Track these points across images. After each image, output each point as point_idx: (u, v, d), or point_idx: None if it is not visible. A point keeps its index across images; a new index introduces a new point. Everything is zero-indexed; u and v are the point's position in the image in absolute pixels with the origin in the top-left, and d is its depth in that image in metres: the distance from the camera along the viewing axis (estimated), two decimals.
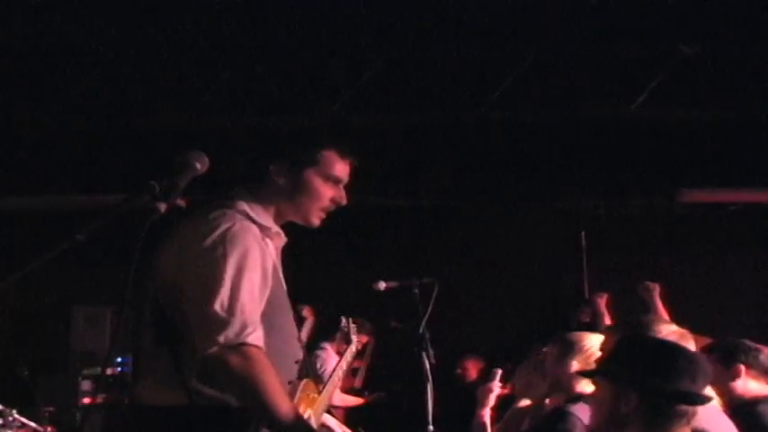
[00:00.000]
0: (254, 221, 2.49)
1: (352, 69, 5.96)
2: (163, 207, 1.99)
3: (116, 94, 6.04)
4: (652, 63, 5.81)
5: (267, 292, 2.42)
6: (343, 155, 2.64)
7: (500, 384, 4.44)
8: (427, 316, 4.09)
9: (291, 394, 2.49)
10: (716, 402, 3.00)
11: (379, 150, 6.31)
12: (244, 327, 2.27)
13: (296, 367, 2.56)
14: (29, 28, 5.47)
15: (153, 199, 1.98)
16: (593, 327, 6.86)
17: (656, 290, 5.91)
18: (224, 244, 2.35)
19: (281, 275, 2.58)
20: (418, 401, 3.92)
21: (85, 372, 6.94)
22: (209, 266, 2.33)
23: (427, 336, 4.06)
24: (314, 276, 5.99)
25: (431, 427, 3.87)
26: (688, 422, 2.37)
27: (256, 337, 2.30)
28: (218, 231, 2.36)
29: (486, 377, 4.85)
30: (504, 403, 4.84)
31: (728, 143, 6.32)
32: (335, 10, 5.40)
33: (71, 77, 5.94)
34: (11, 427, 5.22)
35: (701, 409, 2.77)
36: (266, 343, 2.34)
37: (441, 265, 6.87)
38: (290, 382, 2.50)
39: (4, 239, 7.11)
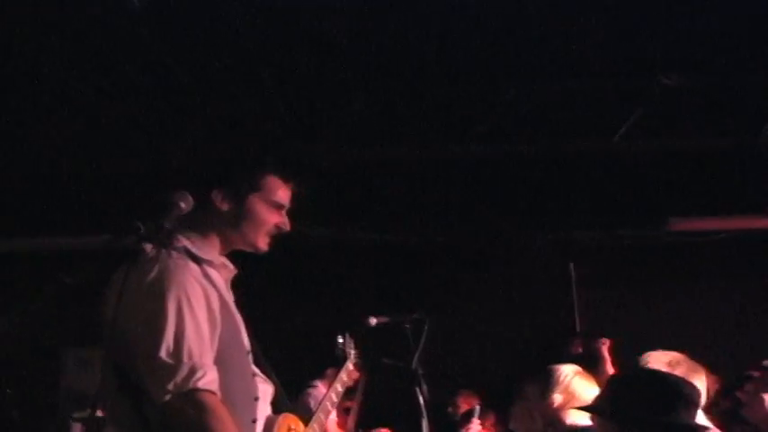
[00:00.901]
0: (194, 257, 2.40)
1: (337, 105, 5.98)
2: (149, 248, 1.98)
3: (93, 135, 6.02)
4: (633, 95, 5.85)
5: (217, 330, 2.34)
6: (285, 179, 2.58)
7: (479, 422, 4.43)
8: (419, 351, 4.06)
9: (267, 430, 2.44)
10: None
11: (368, 186, 6.33)
12: (193, 371, 2.20)
13: (256, 405, 2.47)
14: (12, 68, 5.45)
15: (139, 240, 1.96)
16: (586, 359, 6.83)
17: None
18: (161, 288, 2.26)
19: (233, 309, 2.49)
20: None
21: (76, 415, 6.86)
22: (149, 313, 2.25)
23: (420, 371, 4.03)
24: (305, 311, 5.96)
25: None
26: None
27: (207, 380, 2.22)
28: (153, 275, 2.27)
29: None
30: None
31: (715, 171, 6.36)
32: (320, 43, 5.41)
33: (51, 120, 5.92)
34: None
35: None
36: (221, 383, 2.27)
37: (431, 300, 6.87)
38: (253, 421, 2.44)
39: None
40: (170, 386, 2.18)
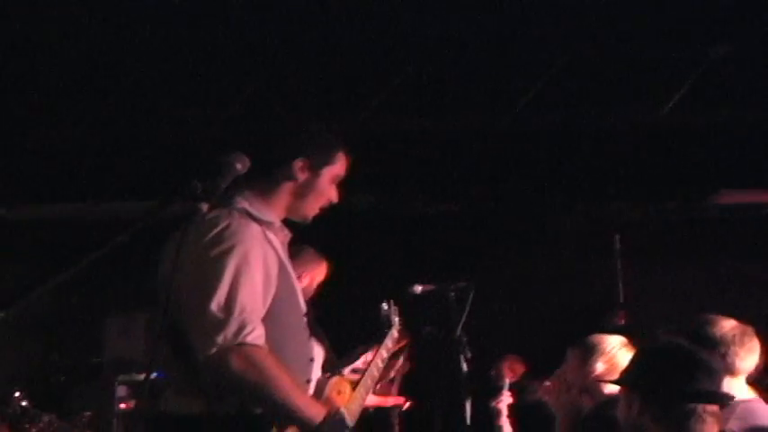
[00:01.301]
0: (254, 218, 2.44)
1: (380, 75, 5.96)
2: (205, 207, 1.99)
3: (139, 98, 6.07)
4: (683, 66, 5.75)
5: (272, 291, 2.38)
6: (348, 155, 2.67)
7: (509, 393, 4.40)
8: (463, 320, 4.07)
9: (319, 392, 2.46)
10: None
11: (412, 156, 6.31)
12: (242, 326, 2.21)
13: (311, 366, 2.51)
14: (41, 34, 5.52)
15: (195, 199, 1.97)
16: (628, 330, 6.79)
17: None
18: (222, 243, 2.30)
19: (290, 271, 2.54)
20: (456, 407, 3.90)
21: (121, 378, 7.00)
22: (206, 267, 2.28)
23: (464, 340, 4.04)
24: (350, 279, 5.97)
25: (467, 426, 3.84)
26: (704, 421, 2.32)
27: (256, 336, 2.24)
28: (216, 231, 2.32)
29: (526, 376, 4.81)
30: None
31: (763, 143, 6.23)
32: (364, 15, 5.40)
33: (94, 84, 5.98)
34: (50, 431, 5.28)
35: (755, 406, 2.76)
36: (276, 342, 2.29)
37: (475, 270, 6.85)
38: (307, 381, 2.46)
39: (34, 247, 7.17)
40: (219, 339, 2.21)
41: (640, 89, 5.93)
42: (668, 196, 7.13)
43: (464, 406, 3.86)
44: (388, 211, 6.80)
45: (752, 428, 2.71)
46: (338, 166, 2.62)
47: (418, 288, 4.26)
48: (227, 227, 2.34)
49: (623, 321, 7.22)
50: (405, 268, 7.13)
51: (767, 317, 6.83)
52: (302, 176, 2.54)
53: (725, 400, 2.40)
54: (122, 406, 6.75)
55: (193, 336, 2.26)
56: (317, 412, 2.30)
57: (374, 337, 3.77)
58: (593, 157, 6.51)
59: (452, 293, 4.19)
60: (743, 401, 2.85)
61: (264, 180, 2.52)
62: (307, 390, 2.40)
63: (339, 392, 2.57)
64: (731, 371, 2.85)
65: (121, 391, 6.90)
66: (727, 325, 2.90)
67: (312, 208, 2.59)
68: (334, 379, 2.58)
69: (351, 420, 2.53)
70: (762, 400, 2.95)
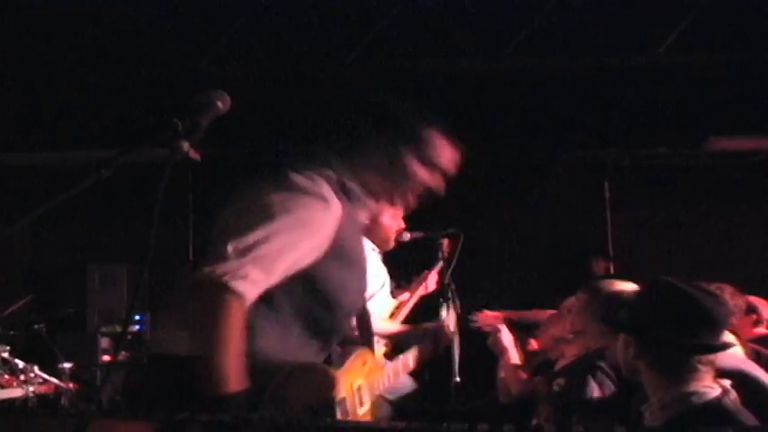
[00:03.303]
0: (345, 190, 2.36)
1: (366, 18, 5.86)
2: (186, 146, 1.91)
3: (120, 46, 5.95)
4: (679, 5, 5.67)
5: (308, 255, 2.27)
6: (450, 140, 2.55)
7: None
8: (452, 266, 4.06)
9: (342, 358, 2.42)
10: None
11: (401, 100, 6.22)
12: (237, 271, 2.12)
13: (326, 349, 2.42)
14: None
15: (176, 137, 1.90)
16: (617, 279, 6.81)
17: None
18: (291, 207, 2.23)
19: (362, 254, 2.46)
20: (444, 353, 3.89)
21: (104, 329, 7.00)
22: (259, 214, 2.22)
23: (453, 287, 4.02)
24: None
25: (457, 378, 3.85)
26: (697, 370, 2.31)
27: (244, 286, 2.12)
28: (293, 191, 2.25)
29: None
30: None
31: (759, 88, 6.18)
32: None
33: (72, 29, 5.86)
34: (33, 384, 5.26)
35: (738, 353, 2.75)
36: (309, 305, 2.26)
37: (464, 217, 6.84)
38: (321, 350, 2.39)
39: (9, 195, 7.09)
40: (208, 269, 2.13)
41: (633, 30, 5.85)
42: (659, 143, 7.10)
43: (453, 353, 3.86)
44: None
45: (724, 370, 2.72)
46: (429, 149, 2.49)
47: (407, 235, 4.23)
48: (310, 193, 2.26)
49: (611, 270, 7.25)
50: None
51: (758, 264, 6.93)
52: (376, 155, 2.44)
53: (722, 350, 2.39)
54: (106, 358, 6.76)
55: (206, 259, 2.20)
56: (232, 384, 2.10)
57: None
58: (583, 103, 6.46)
59: (442, 241, 4.17)
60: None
61: (350, 152, 2.43)
62: (240, 364, 2.15)
63: (363, 364, 2.53)
64: None
65: (105, 342, 6.91)
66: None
67: (400, 194, 2.50)
68: (360, 350, 2.54)
69: (369, 395, 2.48)
70: (739, 348, 2.95)
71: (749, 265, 6.93)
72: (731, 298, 4.04)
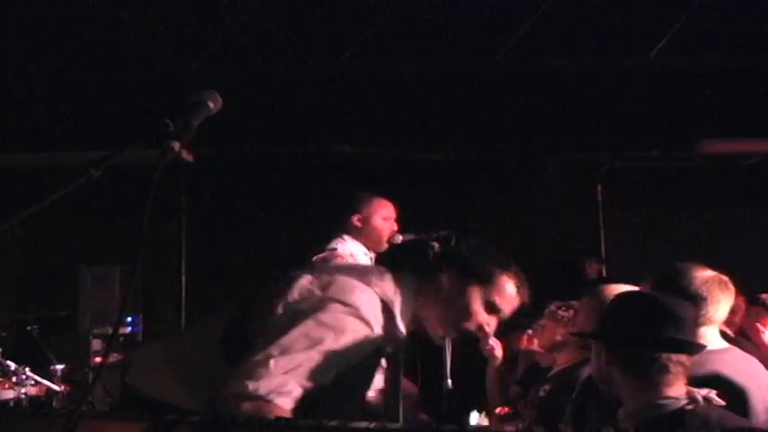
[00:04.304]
0: (390, 316, 2.42)
1: (362, 17, 5.86)
2: (177, 146, 1.92)
3: (110, 46, 5.95)
4: (671, 8, 5.68)
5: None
6: (519, 289, 2.61)
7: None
8: None
9: None
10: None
11: (393, 102, 6.24)
12: (283, 386, 2.19)
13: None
14: None
15: (167, 137, 1.90)
16: (609, 281, 6.83)
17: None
18: (334, 325, 2.28)
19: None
20: (435, 357, 3.90)
21: (96, 331, 6.99)
22: (311, 331, 2.26)
23: None
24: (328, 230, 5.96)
25: (449, 381, 3.85)
26: (667, 371, 2.29)
27: (289, 403, 2.20)
28: (348, 310, 2.30)
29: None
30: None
31: (751, 91, 6.21)
32: None
33: (61, 29, 5.85)
34: (24, 385, 5.26)
35: (726, 356, 2.75)
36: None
37: (456, 219, 6.84)
38: None
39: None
40: (251, 386, 2.18)
41: (626, 33, 5.87)
42: (651, 145, 7.12)
43: (444, 355, 3.86)
44: (365, 158, 6.75)
45: (703, 377, 2.70)
46: (496, 292, 2.56)
47: (399, 237, 4.24)
48: (359, 312, 2.32)
49: (604, 273, 7.27)
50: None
51: (749, 266, 6.95)
52: (447, 286, 2.51)
53: (691, 349, 2.35)
54: (97, 360, 6.75)
55: (240, 368, 2.23)
56: None
57: None
58: (575, 105, 6.48)
59: (434, 243, 4.17)
60: (713, 351, 2.85)
61: (414, 278, 2.52)
62: None
63: None
64: (704, 321, 2.85)
65: (96, 344, 6.90)
66: (701, 275, 2.88)
67: (455, 326, 2.55)
68: None
69: None
70: (735, 349, 2.94)
71: (741, 267, 6.94)
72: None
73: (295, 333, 2.26)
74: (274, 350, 2.22)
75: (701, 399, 2.28)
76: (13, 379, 5.28)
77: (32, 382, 5.38)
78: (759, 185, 7.28)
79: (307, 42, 5.85)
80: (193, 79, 5.81)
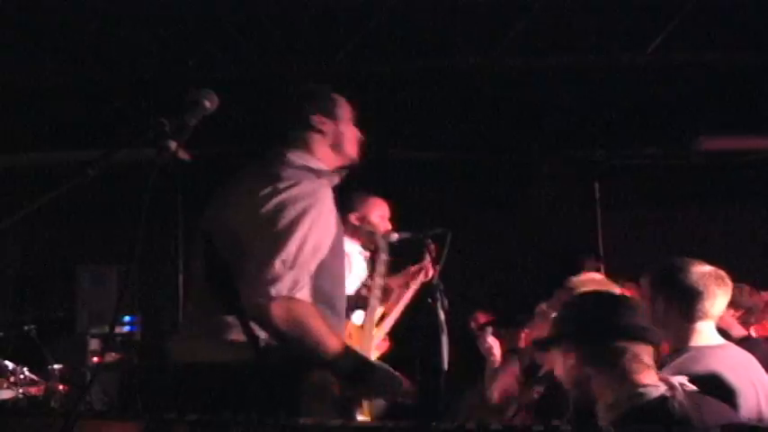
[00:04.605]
0: (314, 171, 2.60)
1: (356, 17, 5.87)
2: (173, 145, 1.94)
3: (105, 44, 5.95)
4: (668, 4, 5.69)
5: (327, 249, 2.52)
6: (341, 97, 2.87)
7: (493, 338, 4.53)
8: (440, 267, 4.07)
9: None
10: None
11: (387, 101, 6.25)
12: (296, 282, 2.36)
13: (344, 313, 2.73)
14: None
15: (163, 136, 1.92)
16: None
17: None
18: (296, 202, 2.43)
19: (340, 223, 2.70)
20: (433, 352, 3.91)
21: (94, 331, 7.00)
22: (282, 220, 2.40)
23: (441, 287, 4.03)
24: None
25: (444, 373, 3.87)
26: (639, 360, 2.33)
27: (305, 293, 2.39)
28: (291, 192, 2.45)
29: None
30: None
31: (749, 88, 6.21)
32: None
33: (56, 27, 5.85)
34: (22, 385, 5.27)
35: (723, 353, 2.77)
36: (325, 294, 2.48)
37: (452, 217, 6.86)
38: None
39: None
40: (272, 290, 2.33)
41: (622, 30, 5.88)
42: (649, 143, 7.13)
43: (442, 353, 3.88)
44: (362, 157, 6.74)
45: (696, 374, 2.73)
46: (347, 110, 2.84)
47: (395, 236, 4.25)
48: (297, 185, 2.48)
49: (602, 270, 7.28)
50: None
51: (749, 264, 6.96)
52: (325, 128, 2.74)
53: (654, 337, 2.39)
54: (95, 359, 6.77)
55: (246, 281, 2.37)
56: (344, 353, 2.43)
57: None
58: (572, 103, 6.49)
59: (429, 241, 4.18)
60: (710, 347, 2.87)
61: (300, 141, 2.71)
62: (340, 336, 2.55)
63: (350, 336, 2.74)
64: (700, 315, 2.88)
65: (94, 344, 6.92)
66: (698, 269, 2.91)
67: (352, 148, 2.81)
68: (347, 324, 2.75)
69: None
70: (732, 346, 2.96)
71: (740, 264, 6.95)
72: (749, 296, 4.07)
73: (278, 225, 2.40)
74: (271, 249, 2.37)
75: (678, 386, 2.31)
76: (11, 379, 5.29)
77: (30, 382, 5.39)
78: (757, 182, 7.30)
79: (303, 40, 5.85)
80: (189, 77, 5.82)
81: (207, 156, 5.83)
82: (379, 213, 4.29)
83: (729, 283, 2.98)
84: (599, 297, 2.60)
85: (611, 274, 6.81)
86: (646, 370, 2.34)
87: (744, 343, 3.53)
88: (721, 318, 3.77)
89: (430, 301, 3.96)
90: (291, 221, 2.40)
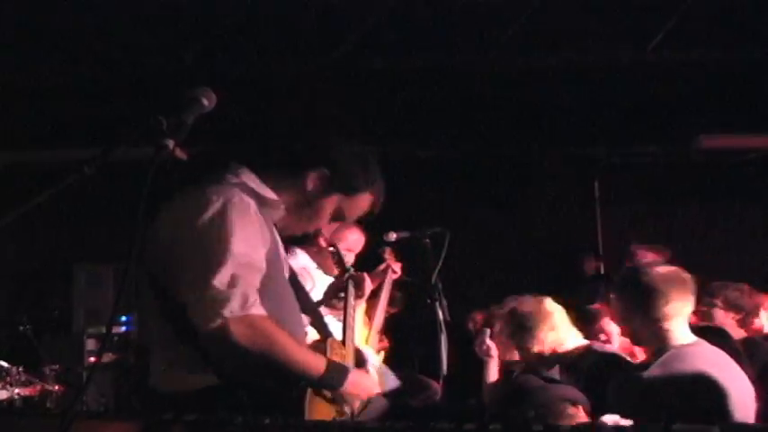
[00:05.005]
0: (256, 194, 2.44)
1: (356, 13, 5.86)
2: (171, 144, 1.93)
3: (102, 41, 5.94)
4: (666, 3, 5.69)
5: (263, 255, 2.38)
6: (375, 202, 2.60)
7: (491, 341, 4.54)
8: (439, 267, 4.07)
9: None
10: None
11: (386, 97, 6.24)
12: (246, 298, 2.25)
13: (304, 335, 2.59)
14: None
15: (160, 135, 1.91)
16: (600, 279, 6.87)
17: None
18: (224, 217, 2.29)
19: (282, 251, 2.54)
20: (432, 353, 3.93)
21: (90, 330, 6.99)
22: (208, 240, 2.28)
23: (440, 287, 4.05)
24: None
25: (444, 372, 3.88)
26: None
27: (259, 306, 2.28)
28: (218, 204, 2.30)
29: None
30: None
31: (749, 86, 6.21)
32: None
33: (52, 24, 5.84)
34: (17, 385, 5.25)
35: (699, 350, 2.83)
36: (271, 310, 2.32)
37: (451, 215, 6.86)
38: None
39: None
40: (225, 312, 2.22)
41: (623, 28, 5.87)
42: (649, 140, 7.13)
43: (441, 353, 3.89)
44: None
45: (672, 374, 2.78)
46: (353, 205, 2.56)
47: (393, 235, 4.25)
48: (226, 200, 2.32)
49: (601, 269, 7.29)
50: (378, 215, 7.12)
51: (749, 261, 6.97)
52: (310, 187, 2.51)
53: None
54: (91, 359, 6.76)
55: (195, 309, 2.25)
56: (318, 363, 2.36)
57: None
58: (572, 100, 6.48)
59: (427, 240, 4.18)
60: (686, 345, 2.92)
61: (275, 173, 2.50)
62: (307, 346, 2.46)
63: (336, 353, 2.65)
64: (664, 316, 2.93)
65: (91, 344, 6.90)
66: (660, 271, 2.98)
67: (301, 227, 2.58)
68: (329, 341, 2.65)
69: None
70: (705, 343, 3.00)
71: (740, 262, 6.98)
72: (749, 297, 4.10)
73: (210, 249, 2.26)
74: (207, 276, 2.23)
75: None
76: (7, 379, 5.27)
77: (26, 382, 5.37)
78: (757, 180, 7.31)
79: (301, 38, 5.84)
80: (187, 75, 5.81)
81: (203, 153, 5.81)
82: (348, 245, 4.24)
83: (691, 285, 3.06)
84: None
85: (611, 273, 6.84)
86: None
87: (745, 344, 3.54)
88: (721, 320, 3.80)
89: (428, 300, 3.97)
90: (218, 240, 2.26)
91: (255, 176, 2.48)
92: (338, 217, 2.59)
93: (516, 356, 3.48)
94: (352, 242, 4.28)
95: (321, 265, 4.19)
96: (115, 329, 6.81)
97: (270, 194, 2.48)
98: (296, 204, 2.52)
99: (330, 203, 2.54)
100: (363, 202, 2.58)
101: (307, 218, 2.55)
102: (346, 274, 3.35)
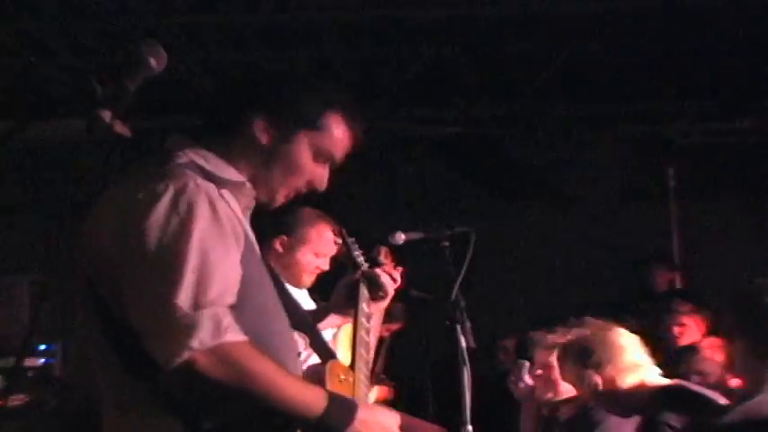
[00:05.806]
0: (209, 175, 2.42)
1: None
2: (108, 116, 1.95)
3: None
4: None
5: (237, 258, 2.37)
6: (351, 124, 2.62)
7: (529, 376, 4.56)
8: (461, 278, 4.07)
9: (318, 382, 2.52)
10: None
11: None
12: (218, 322, 2.23)
13: (298, 359, 2.61)
14: None
15: (94, 105, 1.93)
16: (686, 296, 6.90)
17: None
18: (178, 211, 2.26)
19: (255, 244, 2.54)
20: (451, 391, 3.94)
21: None
22: (161, 246, 2.25)
23: (462, 305, 4.04)
24: None
25: (469, 428, 3.88)
26: None
27: (234, 329, 2.25)
28: (167, 198, 2.27)
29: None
30: None
31: None
32: None
33: None
34: None
35: None
36: (254, 335, 2.32)
37: (479, 212, 6.88)
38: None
39: None
40: (193, 342, 2.19)
41: None
42: (740, 113, 7.15)
43: (463, 391, 3.90)
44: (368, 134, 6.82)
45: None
46: (326, 136, 2.59)
47: (401, 236, 4.23)
48: (181, 191, 2.28)
49: (677, 282, 7.30)
50: (386, 211, 7.22)
51: None
52: (263, 139, 2.52)
53: None
54: None
55: (154, 342, 2.22)
56: (315, 398, 2.34)
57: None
58: (639, 69, 6.52)
59: (447, 243, 4.18)
60: None
61: (225, 137, 2.52)
62: (298, 376, 2.45)
63: (339, 379, 2.65)
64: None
65: None
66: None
67: (281, 185, 2.59)
68: (330, 364, 2.67)
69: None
70: None
71: None
72: None
73: (158, 252, 2.24)
74: (171, 297, 2.21)
75: None
76: None
77: None
78: None
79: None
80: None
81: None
82: (318, 249, 4.27)
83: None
84: None
85: (690, 288, 6.86)
86: None
87: None
88: None
89: (447, 323, 3.97)
90: (174, 242, 2.24)
91: (201, 148, 2.48)
92: (324, 159, 2.60)
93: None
94: (323, 244, 4.29)
95: (285, 276, 4.19)
96: (30, 362, 6.84)
97: (225, 173, 2.47)
98: (261, 166, 2.53)
99: (299, 147, 2.55)
100: (339, 130, 2.60)
101: (281, 175, 2.56)
102: (358, 272, 3.37)
